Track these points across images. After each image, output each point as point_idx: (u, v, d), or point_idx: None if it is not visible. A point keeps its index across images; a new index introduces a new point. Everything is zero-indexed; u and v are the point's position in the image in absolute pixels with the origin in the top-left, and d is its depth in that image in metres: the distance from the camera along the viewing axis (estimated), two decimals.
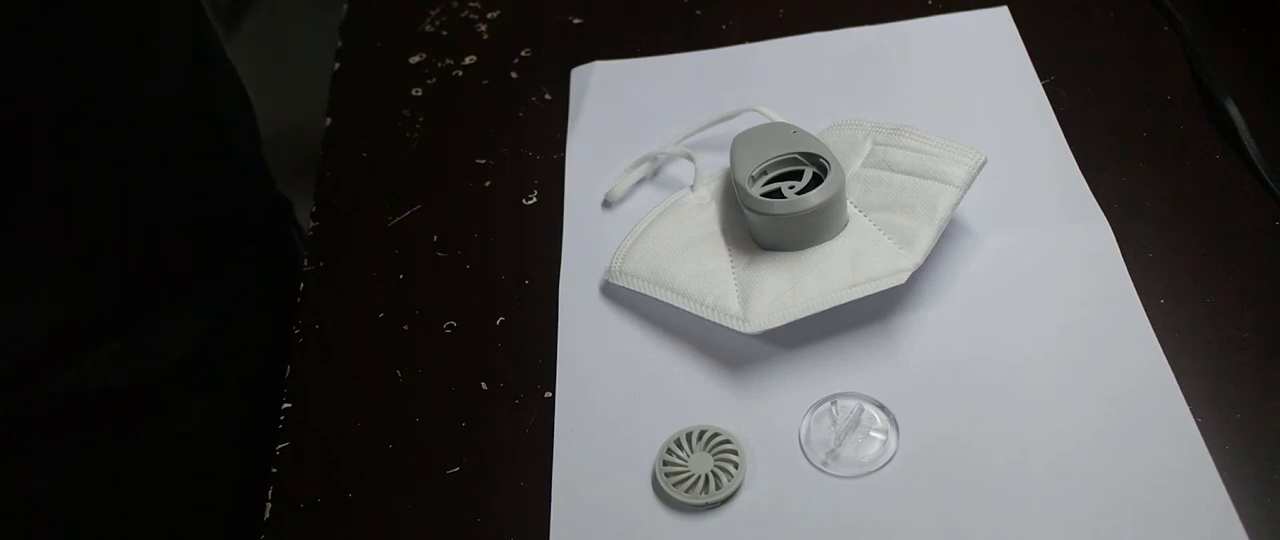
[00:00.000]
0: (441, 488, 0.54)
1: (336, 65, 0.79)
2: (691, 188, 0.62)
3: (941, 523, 0.48)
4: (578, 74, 0.73)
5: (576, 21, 0.77)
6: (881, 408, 0.52)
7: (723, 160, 0.63)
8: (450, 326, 0.60)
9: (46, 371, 0.60)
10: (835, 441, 0.51)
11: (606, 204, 0.64)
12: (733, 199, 0.60)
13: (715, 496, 0.50)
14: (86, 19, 0.56)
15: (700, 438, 0.52)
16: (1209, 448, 0.48)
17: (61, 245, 0.58)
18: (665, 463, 0.51)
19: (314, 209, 0.69)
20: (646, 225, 0.60)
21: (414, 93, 0.75)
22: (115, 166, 0.59)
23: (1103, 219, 0.57)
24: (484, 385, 0.57)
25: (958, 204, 0.55)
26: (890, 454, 0.51)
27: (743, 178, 0.56)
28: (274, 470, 0.56)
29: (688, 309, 0.56)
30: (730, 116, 0.65)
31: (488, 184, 0.68)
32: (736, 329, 0.54)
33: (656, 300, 0.57)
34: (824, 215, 0.55)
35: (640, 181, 0.65)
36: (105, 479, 0.65)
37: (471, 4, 0.81)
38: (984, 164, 0.56)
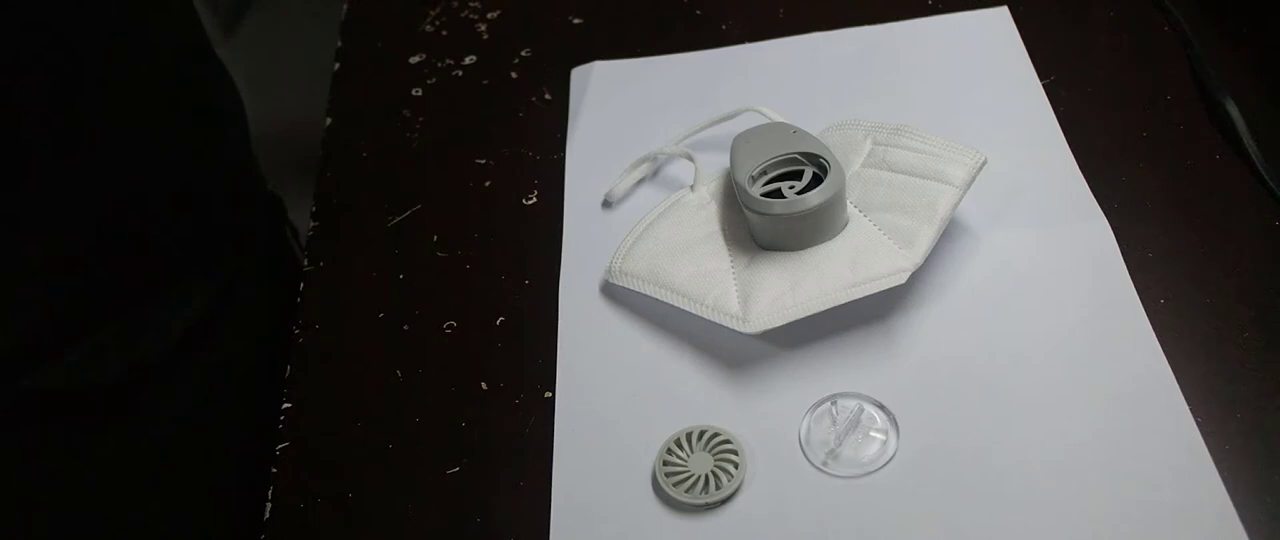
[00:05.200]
0: (441, 488, 0.54)
1: (336, 65, 0.79)
2: (691, 188, 0.62)
3: (941, 523, 0.48)
4: (578, 74, 0.73)
5: (576, 21, 0.77)
6: (881, 408, 0.52)
7: (723, 160, 0.63)
8: (450, 326, 0.60)
9: (39, 363, 0.60)
10: (835, 441, 0.51)
11: (606, 204, 0.64)
12: (733, 199, 0.60)
13: (715, 496, 0.50)
14: (85, 17, 0.56)
15: (700, 438, 0.52)
16: (1209, 448, 0.48)
17: (54, 240, 0.58)
18: (665, 463, 0.51)
19: (314, 209, 0.69)
20: (646, 225, 0.60)
21: (414, 93, 0.75)
22: (111, 161, 0.59)
23: (1103, 219, 0.57)
24: (484, 385, 0.57)
25: (958, 204, 0.55)
26: (890, 454, 0.51)
27: (743, 178, 0.56)
28: (274, 470, 0.56)
29: (688, 309, 0.56)
30: (730, 116, 0.65)
31: (488, 184, 0.68)
32: (736, 329, 0.54)
33: (656, 300, 0.57)
34: (824, 215, 0.55)
35: (640, 181, 0.65)
36: (105, 479, 0.65)
37: (471, 4, 0.81)
38: (984, 164, 0.56)
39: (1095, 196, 0.59)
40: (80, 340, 0.61)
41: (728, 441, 0.52)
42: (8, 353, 0.59)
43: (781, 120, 0.62)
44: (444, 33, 0.79)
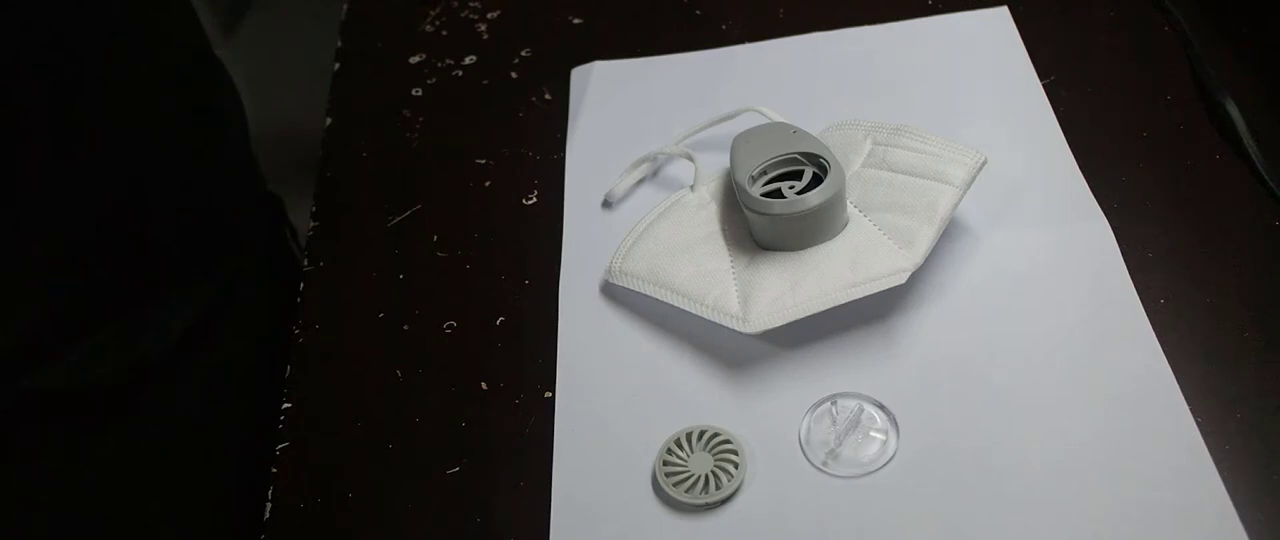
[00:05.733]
0: (441, 488, 0.54)
1: (336, 65, 0.79)
2: (691, 188, 0.62)
3: (941, 523, 0.48)
4: (578, 74, 0.73)
5: (576, 21, 0.77)
6: (881, 408, 0.52)
7: (723, 160, 0.63)
8: (450, 326, 0.60)
9: (39, 363, 0.60)
10: (835, 441, 0.51)
11: (606, 204, 0.64)
12: (733, 199, 0.60)
13: (715, 496, 0.50)
14: (85, 17, 0.56)
15: (700, 438, 0.52)
16: (1209, 448, 0.48)
17: (54, 239, 0.58)
18: (665, 463, 0.51)
19: (314, 209, 0.69)
20: (646, 225, 0.61)
21: (414, 93, 0.75)
22: (111, 161, 0.59)
23: (1103, 219, 0.57)
24: (484, 385, 0.57)
25: (958, 204, 0.55)
26: (890, 454, 0.51)
27: (743, 178, 0.56)
28: (274, 470, 0.56)
29: (688, 309, 0.56)
30: (730, 116, 0.65)
31: (488, 184, 0.68)
32: (736, 329, 0.54)
33: (656, 300, 0.57)
34: (824, 215, 0.55)
35: (640, 181, 0.65)
36: (105, 479, 0.65)
37: (471, 4, 0.81)
38: (984, 164, 0.56)
39: (1095, 196, 0.59)
40: (80, 340, 0.61)
41: (728, 441, 0.52)
42: (8, 353, 0.59)
43: (781, 120, 0.62)
44: (444, 33, 0.79)
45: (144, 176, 0.62)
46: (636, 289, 0.58)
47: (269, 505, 0.55)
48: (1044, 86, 0.65)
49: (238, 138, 0.73)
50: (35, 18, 0.54)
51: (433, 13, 0.81)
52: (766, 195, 0.56)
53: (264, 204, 0.79)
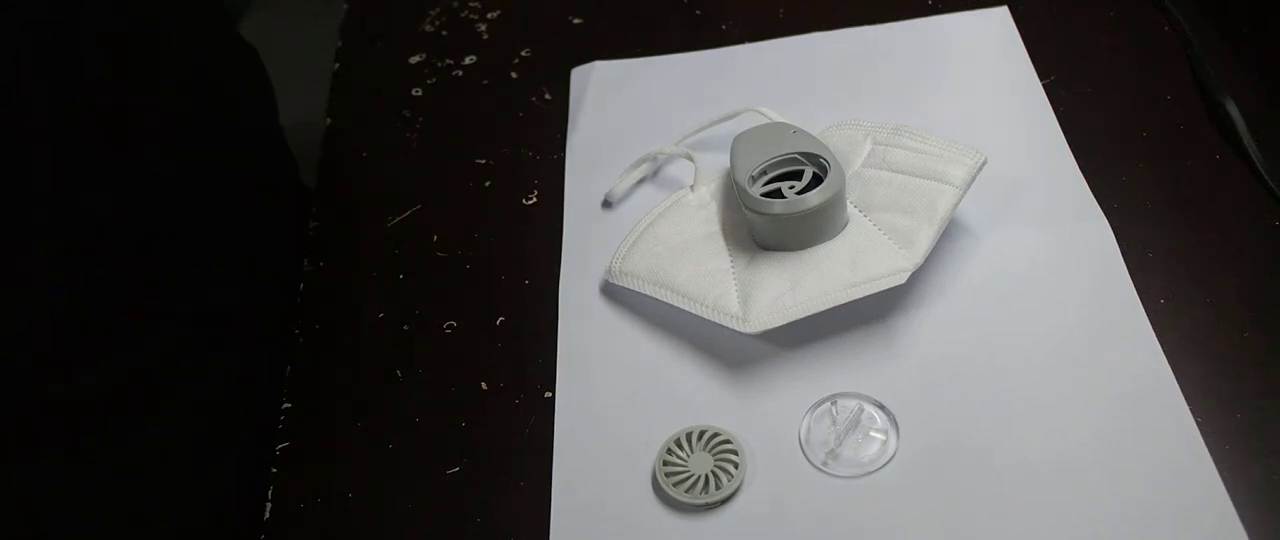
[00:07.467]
0: (441, 488, 0.54)
1: (336, 65, 0.79)
2: (691, 188, 0.62)
3: (941, 523, 0.48)
4: (578, 74, 0.73)
5: (576, 21, 0.77)
6: (881, 408, 0.52)
7: (723, 160, 0.63)
8: (450, 326, 0.60)
9: (41, 366, 0.60)
10: (835, 441, 0.51)
11: (606, 204, 0.64)
12: (733, 199, 0.60)
13: (715, 496, 0.50)
14: (92, 16, 0.56)
15: (700, 438, 0.52)
16: (1209, 448, 0.48)
17: (56, 241, 0.58)
18: (665, 463, 0.51)
19: (314, 209, 0.69)
20: (646, 225, 0.60)
21: (414, 93, 0.75)
22: (114, 161, 0.59)
23: (1103, 219, 0.57)
24: (484, 385, 0.57)
25: (958, 204, 0.55)
26: (890, 454, 0.51)
27: (743, 178, 0.56)
28: (274, 470, 0.56)
29: (688, 309, 0.56)
30: (730, 116, 0.65)
31: (488, 184, 0.68)
32: (736, 329, 0.54)
33: (656, 300, 0.57)
34: (824, 215, 0.55)
35: (640, 181, 0.65)
36: (105, 479, 0.65)
37: (471, 4, 0.81)
38: (984, 164, 0.56)
39: (1095, 196, 0.59)
40: (82, 342, 0.61)
41: (728, 441, 0.52)
42: (9, 355, 0.59)
43: (781, 120, 0.62)
44: (444, 33, 0.79)
45: (146, 177, 0.62)
46: (636, 289, 0.58)
47: (269, 505, 0.55)
48: (1044, 86, 0.65)
49: (269, 123, 0.73)
50: (35, 18, 0.54)
51: (433, 13, 0.81)
52: (766, 195, 0.56)
53: (266, 202, 0.79)
